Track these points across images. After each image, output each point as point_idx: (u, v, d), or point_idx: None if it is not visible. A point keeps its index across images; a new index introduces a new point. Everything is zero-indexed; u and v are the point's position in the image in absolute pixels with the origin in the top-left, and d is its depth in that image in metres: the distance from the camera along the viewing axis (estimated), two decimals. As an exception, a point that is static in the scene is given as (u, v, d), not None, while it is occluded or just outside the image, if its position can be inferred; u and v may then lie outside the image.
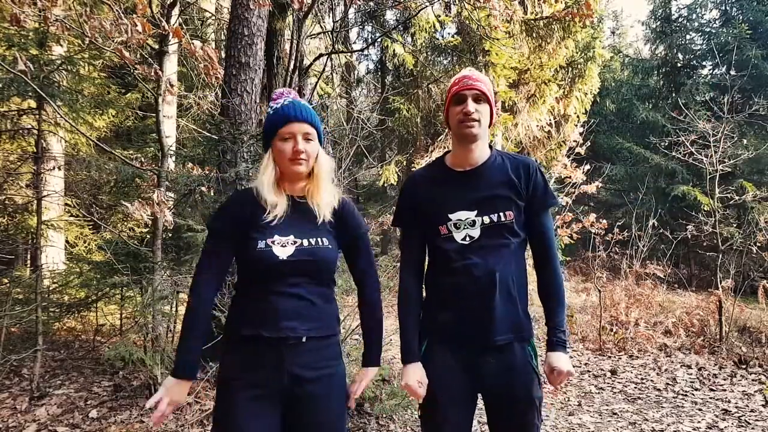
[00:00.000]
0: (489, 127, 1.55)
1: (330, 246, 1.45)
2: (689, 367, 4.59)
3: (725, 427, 3.26)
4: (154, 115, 3.63)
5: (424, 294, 1.62)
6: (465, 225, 1.49)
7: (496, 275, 1.46)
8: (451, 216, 1.50)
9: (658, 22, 13.27)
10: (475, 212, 1.49)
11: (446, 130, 8.82)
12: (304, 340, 1.38)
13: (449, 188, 1.54)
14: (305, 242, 1.41)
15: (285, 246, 1.39)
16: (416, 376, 1.49)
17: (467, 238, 1.49)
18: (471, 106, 1.47)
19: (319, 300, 1.42)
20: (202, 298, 1.42)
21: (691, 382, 4.23)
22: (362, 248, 1.56)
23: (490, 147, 1.59)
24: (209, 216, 1.52)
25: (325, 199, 1.49)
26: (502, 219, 1.48)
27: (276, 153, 1.44)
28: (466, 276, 1.47)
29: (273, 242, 1.38)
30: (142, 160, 4.20)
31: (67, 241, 6.03)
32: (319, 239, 1.43)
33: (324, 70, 8.33)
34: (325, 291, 1.46)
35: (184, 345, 1.39)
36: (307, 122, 1.44)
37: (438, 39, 9.69)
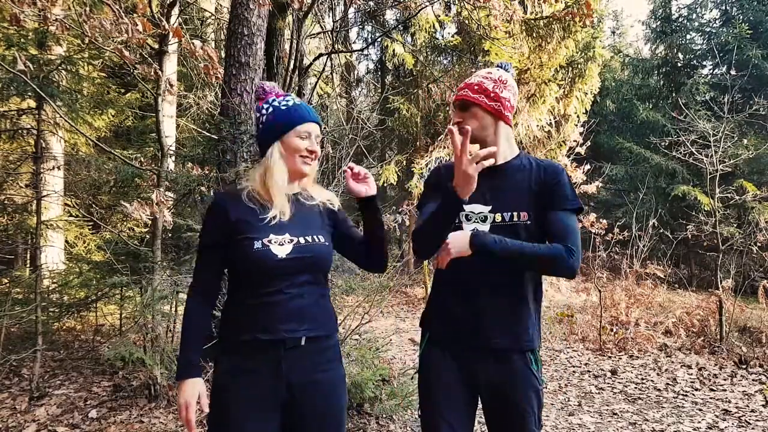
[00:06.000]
0: (500, 118, 1.48)
1: (327, 243, 1.44)
2: (689, 367, 4.59)
3: (725, 427, 3.26)
4: (153, 114, 3.63)
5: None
6: (476, 219, 1.45)
7: (493, 277, 1.41)
8: (465, 207, 1.44)
9: (658, 22, 13.27)
10: (490, 208, 1.45)
11: (446, 130, 8.82)
12: (303, 342, 1.34)
13: None
14: (302, 240, 1.38)
15: (283, 244, 1.34)
16: None
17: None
18: (456, 117, 1.49)
19: (317, 299, 1.39)
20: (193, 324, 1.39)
21: (691, 382, 4.23)
22: (354, 228, 1.57)
23: (520, 147, 1.56)
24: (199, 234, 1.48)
25: (324, 195, 1.52)
26: (515, 219, 1.43)
27: (289, 149, 1.41)
28: (464, 273, 1.43)
29: (270, 241, 1.34)
30: (142, 160, 4.20)
31: (66, 241, 6.02)
32: (315, 236, 1.41)
33: (324, 70, 8.33)
34: (322, 290, 1.44)
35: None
36: (318, 125, 1.46)
37: (438, 39, 9.71)
